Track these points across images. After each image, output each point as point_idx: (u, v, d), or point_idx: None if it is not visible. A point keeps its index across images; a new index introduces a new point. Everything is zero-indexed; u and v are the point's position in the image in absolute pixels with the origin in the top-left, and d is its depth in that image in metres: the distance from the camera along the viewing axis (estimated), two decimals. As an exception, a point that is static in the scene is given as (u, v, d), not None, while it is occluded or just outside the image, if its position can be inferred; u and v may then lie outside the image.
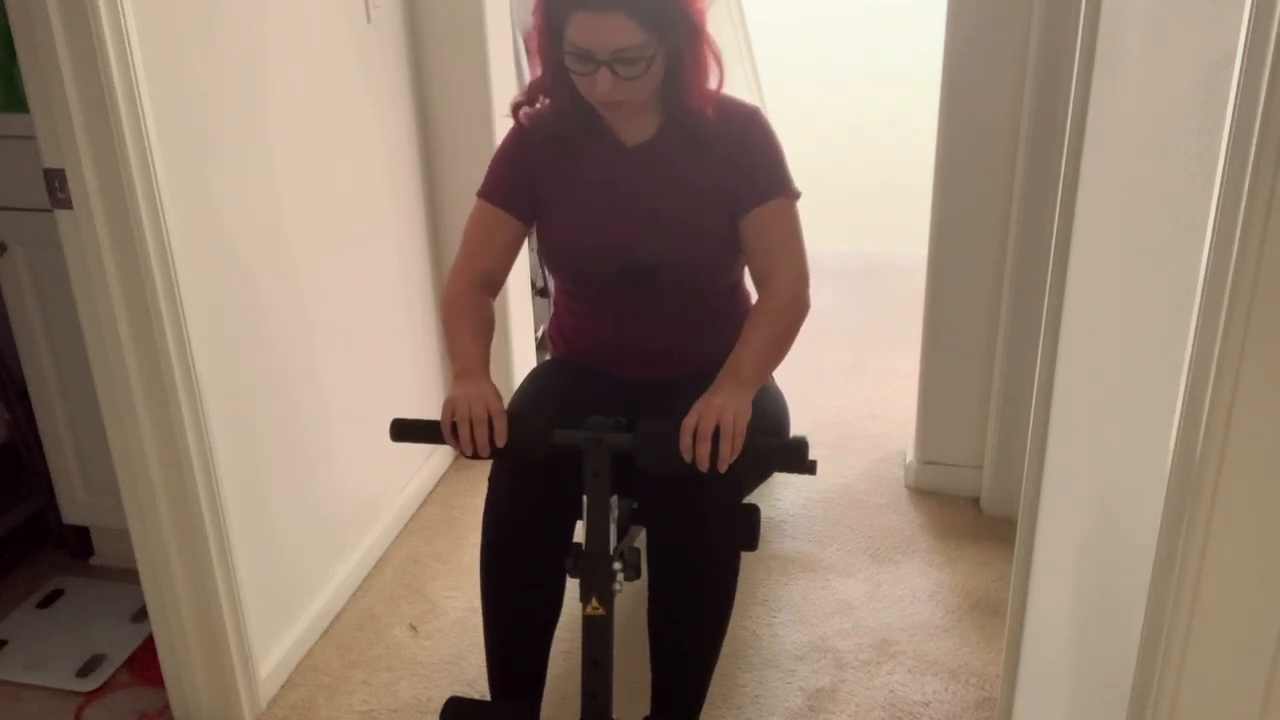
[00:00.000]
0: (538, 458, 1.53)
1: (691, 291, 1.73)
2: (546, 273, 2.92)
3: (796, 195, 1.69)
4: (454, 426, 1.50)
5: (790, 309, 1.64)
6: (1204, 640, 0.80)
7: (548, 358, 1.96)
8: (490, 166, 1.75)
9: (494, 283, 1.71)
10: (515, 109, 1.72)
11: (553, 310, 1.95)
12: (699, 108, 1.62)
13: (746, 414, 1.47)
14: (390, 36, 2.32)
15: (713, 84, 1.63)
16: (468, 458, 1.52)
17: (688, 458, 1.45)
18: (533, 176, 1.70)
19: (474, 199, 1.74)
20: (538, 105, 1.69)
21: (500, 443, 1.49)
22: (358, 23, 2.17)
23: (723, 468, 1.45)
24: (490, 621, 1.70)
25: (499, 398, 1.52)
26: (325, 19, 2.05)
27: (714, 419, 1.44)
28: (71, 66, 1.49)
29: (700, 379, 1.63)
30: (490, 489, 1.68)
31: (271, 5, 1.86)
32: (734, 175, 1.65)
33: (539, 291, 2.98)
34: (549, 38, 1.55)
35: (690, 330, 1.76)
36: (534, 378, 1.86)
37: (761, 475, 2.03)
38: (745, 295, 1.84)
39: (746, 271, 1.77)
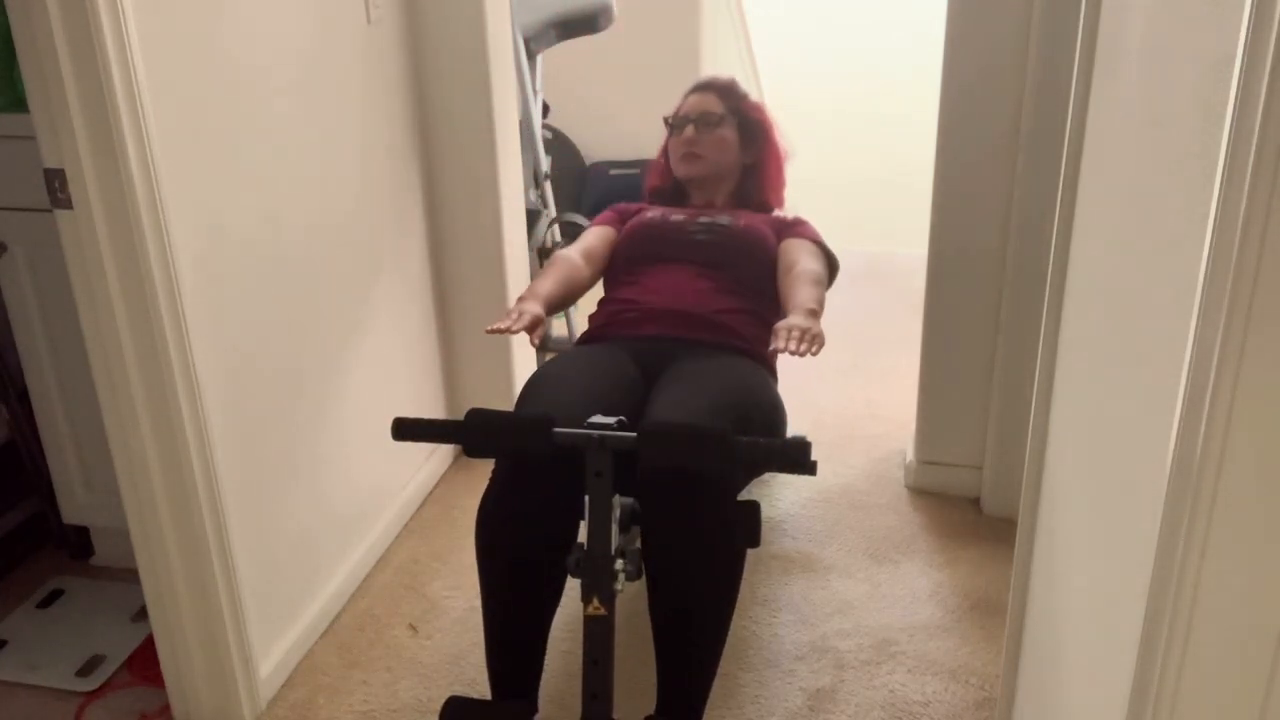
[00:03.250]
0: (540, 457, 1.55)
1: (742, 279, 2.12)
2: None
3: (833, 258, 2.21)
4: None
5: (819, 256, 2.16)
6: (1204, 640, 0.80)
7: (548, 358, 2.01)
8: (604, 212, 2.44)
9: (592, 255, 2.24)
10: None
11: (601, 300, 2.28)
12: (770, 205, 2.38)
13: (823, 337, 1.77)
14: (390, 37, 2.32)
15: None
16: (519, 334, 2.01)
17: (783, 346, 1.71)
18: (627, 219, 2.38)
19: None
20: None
21: (524, 324, 1.86)
22: (358, 23, 2.17)
23: (813, 351, 1.71)
24: (487, 606, 1.70)
25: (529, 313, 1.89)
26: (325, 19, 2.05)
27: (803, 326, 1.75)
28: (71, 66, 1.49)
29: (702, 357, 1.93)
30: (489, 484, 1.69)
31: (272, 5, 1.87)
32: (779, 230, 2.27)
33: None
34: (669, 129, 2.39)
35: (726, 303, 2.06)
36: (539, 375, 1.88)
37: (752, 472, 2.09)
38: (765, 334, 2.09)
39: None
